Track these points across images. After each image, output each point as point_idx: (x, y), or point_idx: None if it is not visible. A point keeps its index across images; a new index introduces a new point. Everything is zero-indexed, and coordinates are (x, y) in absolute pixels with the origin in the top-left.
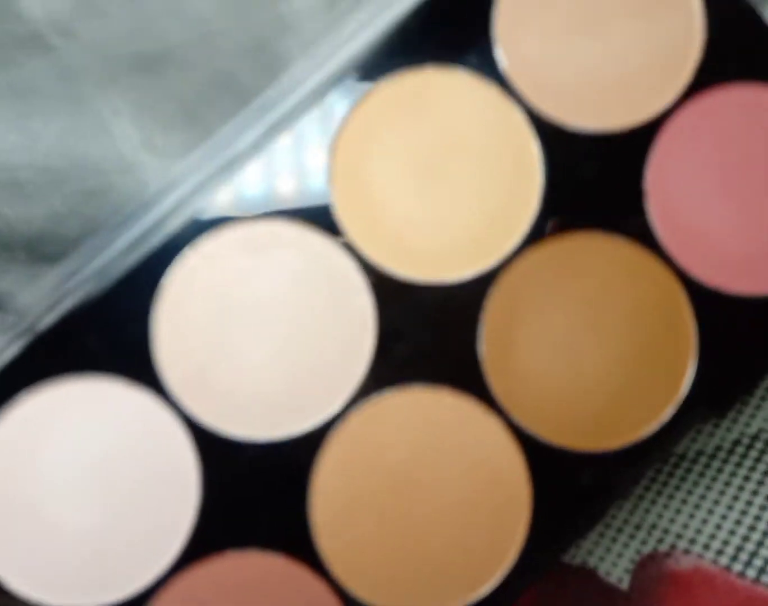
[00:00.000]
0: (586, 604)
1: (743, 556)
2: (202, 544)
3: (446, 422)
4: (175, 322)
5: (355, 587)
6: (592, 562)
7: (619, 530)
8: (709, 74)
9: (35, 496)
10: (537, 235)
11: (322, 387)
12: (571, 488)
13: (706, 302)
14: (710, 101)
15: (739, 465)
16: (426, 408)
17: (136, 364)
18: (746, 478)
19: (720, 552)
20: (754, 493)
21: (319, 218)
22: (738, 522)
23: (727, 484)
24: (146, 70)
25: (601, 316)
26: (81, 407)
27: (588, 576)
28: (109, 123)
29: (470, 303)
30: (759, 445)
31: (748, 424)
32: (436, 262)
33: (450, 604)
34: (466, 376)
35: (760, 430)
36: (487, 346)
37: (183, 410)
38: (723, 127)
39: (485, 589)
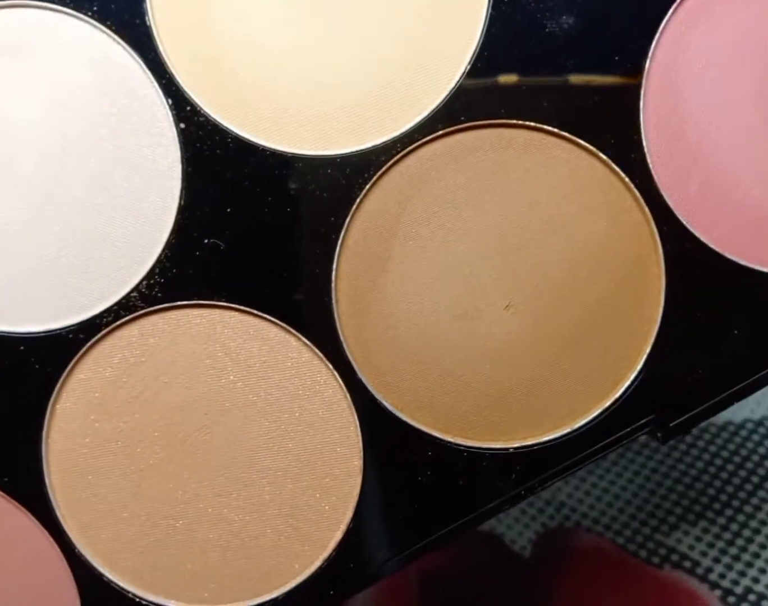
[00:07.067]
0: (490, 567)
1: (638, 539)
2: None
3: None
4: None
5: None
6: (499, 529)
7: (530, 504)
8: None
9: None
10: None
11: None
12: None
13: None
14: None
15: (639, 453)
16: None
17: None
18: (644, 466)
19: (618, 533)
20: (659, 484)
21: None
22: (640, 508)
23: (637, 473)
24: None
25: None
26: None
27: (494, 541)
28: None
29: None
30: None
31: None
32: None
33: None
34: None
35: None
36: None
37: None
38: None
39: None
